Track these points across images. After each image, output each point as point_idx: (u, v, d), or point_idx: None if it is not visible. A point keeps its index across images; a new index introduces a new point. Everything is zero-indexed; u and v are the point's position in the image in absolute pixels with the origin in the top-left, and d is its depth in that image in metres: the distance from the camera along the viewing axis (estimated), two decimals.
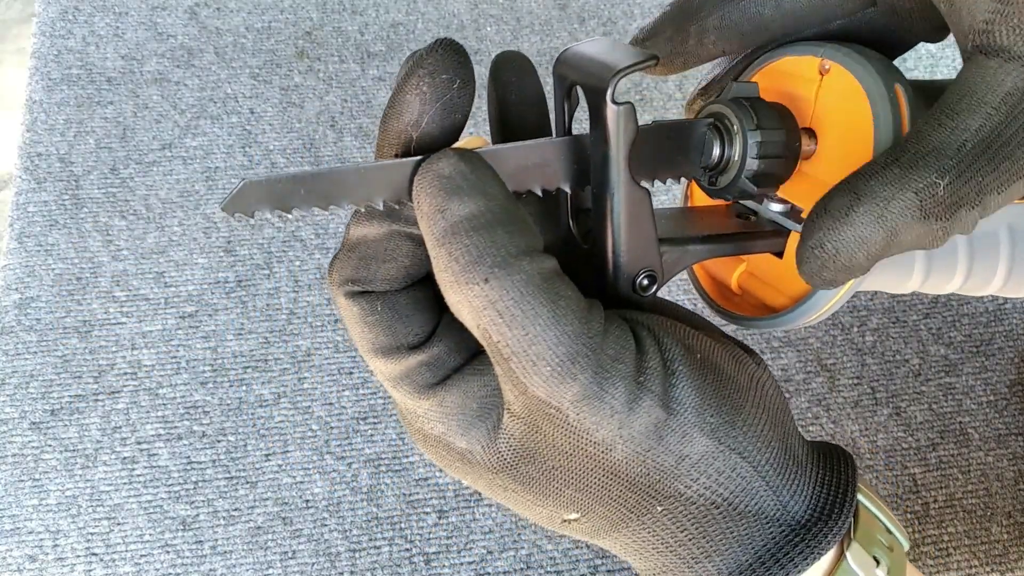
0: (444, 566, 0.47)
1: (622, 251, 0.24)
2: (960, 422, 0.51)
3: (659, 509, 0.22)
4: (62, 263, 0.53)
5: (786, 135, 0.27)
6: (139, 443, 0.49)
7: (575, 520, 0.23)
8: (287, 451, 0.49)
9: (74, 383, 0.50)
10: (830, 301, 0.27)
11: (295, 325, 0.52)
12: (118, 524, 0.47)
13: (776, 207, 0.29)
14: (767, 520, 0.22)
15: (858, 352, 0.53)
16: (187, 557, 0.47)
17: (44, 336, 0.51)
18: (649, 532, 0.22)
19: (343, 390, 0.51)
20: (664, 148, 0.27)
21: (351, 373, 0.51)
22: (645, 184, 0.26)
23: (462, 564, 0.47)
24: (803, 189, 0.28)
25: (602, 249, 0.25)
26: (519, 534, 0.48)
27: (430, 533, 0.48)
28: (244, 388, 0.51)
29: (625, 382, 0.20)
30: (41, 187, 0.55)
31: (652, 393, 0.21)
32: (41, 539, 0.47)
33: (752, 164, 0.26)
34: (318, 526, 0.48)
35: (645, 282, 0.25)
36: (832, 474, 0.23)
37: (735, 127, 0.27)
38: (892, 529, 0.23)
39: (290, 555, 0.47)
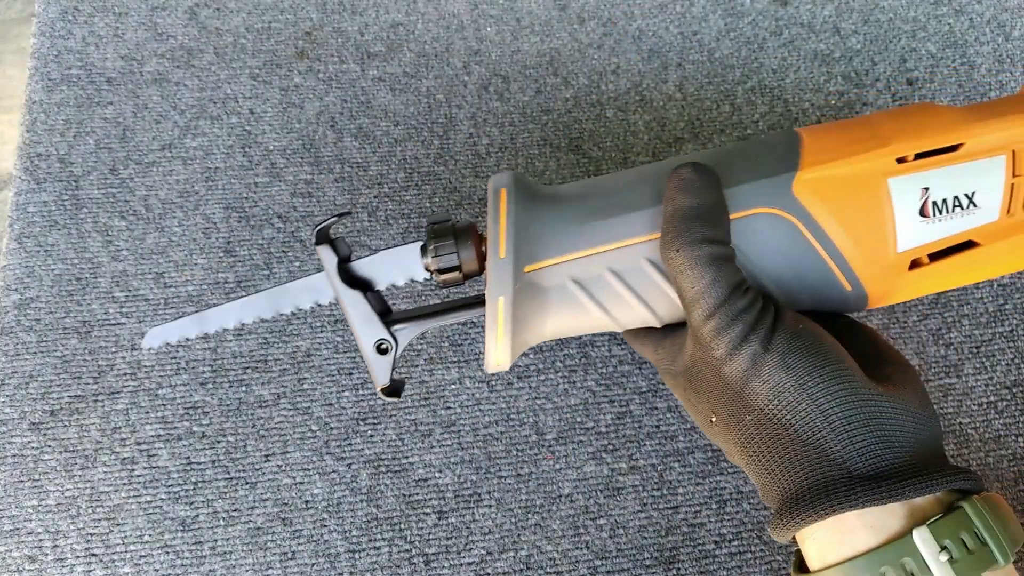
0: (444, 567, 0.47)
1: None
2: (960, 423, 0.51)
3: (748, 418, 0.30)
4: (62, 263, 0.53)
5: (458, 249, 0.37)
6: (139, 444, 0.49)
7: (714, 422, 0.32)
8: (287, 452, 0.49)
9: (74, 384, 0.50)
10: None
11: (295, 326, 0.52)
12: (118, 525, 0.47)
13: None
14: (827, 458, 0.28)
15: None
16: (187, 558, 0.47)
17: (44, 336, 0.51)
18: (745, 437, 0.30)
19: (343, 391, 0.51)
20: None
21: (351, 374, 0.51)
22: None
23: (462, 565, 0.47)
24: None
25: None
26: (519, 535, 0.48)
27: (430, 534, 0.48)
28: (244, 389, 0.51)
29: (743, 326, 0.30)
30: (41, 187, 0.55)
31: (758, 336, 0.30)
32: (41, 540, 0.47)
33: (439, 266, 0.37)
34: (318, 527, 0.48)
35: (384, 347, 0.37)
36: (926, 467, 0.28)
37: (430, 246, 0.37)
38: (989, 542, 0.26)
39: (290, 556, 0.47)
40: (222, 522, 0.48)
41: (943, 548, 0.26)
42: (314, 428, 0.50)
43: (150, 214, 0.55)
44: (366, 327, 0.37)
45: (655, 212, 0.34)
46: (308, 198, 0.56)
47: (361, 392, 0.51)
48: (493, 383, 0.51)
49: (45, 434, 0.49)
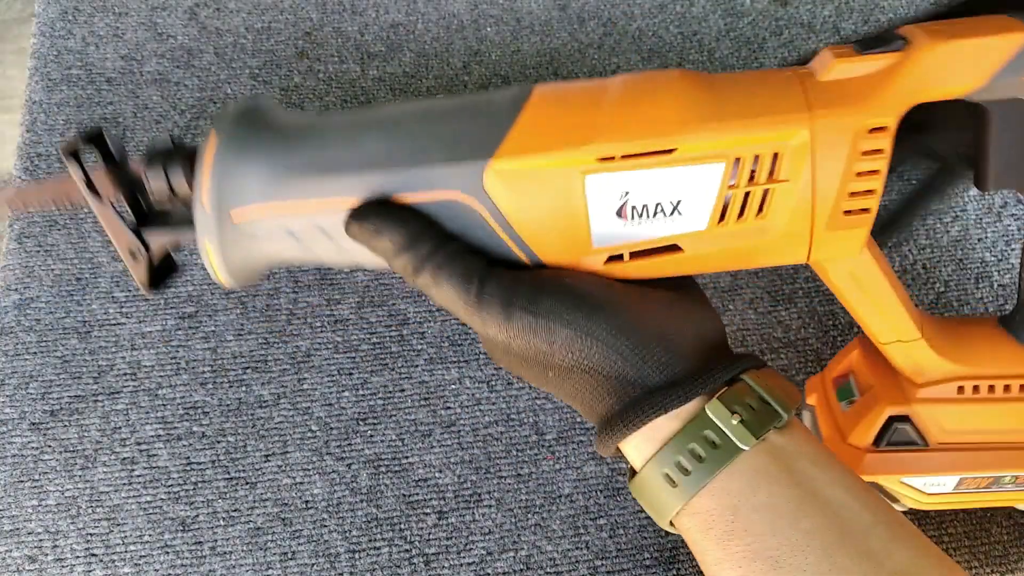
0: (444, 567, 0.47)
1: None
2: None
3: (551, 374, 0.32)
4: (62, 263, 0.53)
5: None
6: (139, 444, 0.49)
7: (527, 381, 0.34)
8: (287, 452, 0.49)
9: (74, 384, 0.50)
10: None
11: (295, 326, 0.52)
12: (117, 525, 0.47)
13: None
14: (628, 383, 0.31)
15: None
16: (186, 558, 0.47)
17: (44, 336, 0.51)
18: (556, 387, 0.32)
19: (343, 391, 0.51)
20: None
21: (351, 374, 0.51)
22: None
23: (462, 565, 0.47)
24: None
25: None
26: (519, 535, 0.48)
27: (430, 534, 0.48)
28: (244, 389, 0.51)
29: (499, 305, 0.31)
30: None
31: (520, 307, 0.31)
32: (41, 540, 0.47)
33: None
34: (318, 527, 0.48)
35: (135, 252, 0.36)
36: (712, 361, 0.31)
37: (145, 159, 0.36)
38: (771, 401, 0.30)
39: (290, 556, 0.47)
40: (222, 522, 0.48)
41: (733, 412, 0.30)
42: (314, 428, 0.50)
43: None
44: (118, 233, 0.35)
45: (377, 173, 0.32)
46: None
47: (361, 392, 0.51)
48: (493, 383, 0.51)
49: (45, 434, 0.49)
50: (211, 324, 0.52)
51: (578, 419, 0.50)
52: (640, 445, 0.31)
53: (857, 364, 0.42)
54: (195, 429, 0.50)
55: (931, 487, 0.40)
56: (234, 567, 0.47)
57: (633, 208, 0.31)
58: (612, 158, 0.30)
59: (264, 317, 0.52)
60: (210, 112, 0.58)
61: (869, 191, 0.31)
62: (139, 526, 0.47)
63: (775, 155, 0.30)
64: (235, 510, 0.48)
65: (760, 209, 0.31)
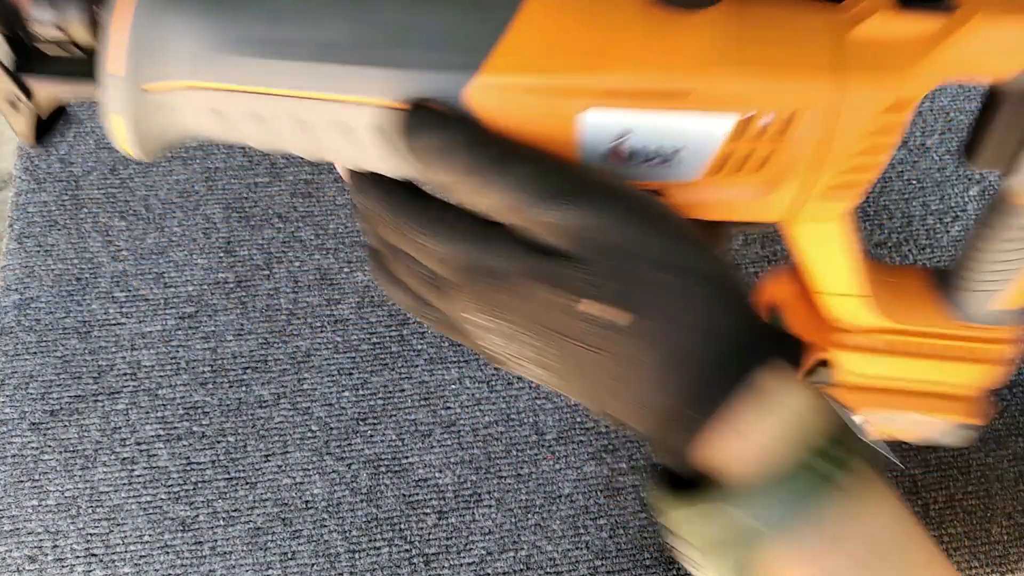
0: (444, 567, 0.47)
1: None
2: None
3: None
4: (62, 263, 0.53)
5: None
6: (139, 444, 0.49)
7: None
8: (287, 452, 0.49)
9: (74, 384, 0.50)
10: None
11: (295, 326, 0.52)
12: (118, 525, 0.47)
13: None
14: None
15: None
16: (187, 558, 0.47)
17: (44, 336, 0.51)
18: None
19: (343, 391, 0.51)
20: None
21: (351, 374, 0.51)
22: None
23: (461, 565, 0.47)
24: None
25: None
26: (519, 535, 0.48)
27: (430, 534, 0.48)
28: (244, 389, 0.51)
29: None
30: (41, 187, 0.55)
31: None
32: (41, 540, 0.47)
33: None
34: (318, 527, 0.48)
35: (13, 101, 0.29)
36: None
37: None
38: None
39: (290, 556, 0.47)
40: (222, 522, 0.48)
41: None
42: (314, 428, 0.50)
43: (150, 214, 0.55)
44: None
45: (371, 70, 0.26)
46: (308, 198, 0.56)
47: (361, 392, 0.51)
48: (493, 383, 0.51)
49: (45, 434, 0.49)
50: (211, 324, 0.52)
51: (578, 419, 0.50)
52: (740, 426, 0.24)
53: (786, 300, 0.41)
54: (195, 429, 0.50)
55: None
56: (234, 567, 0.47)
57: (629, 150, 0.28)
58: (619, 93, 0.27)
59: (264, 317, 0.52)
60: None
61: (877, 162, 0.29)
62: (139, 526, 0.47)
63: (792, 113, 0.27)
64: (235, 510, 0.48)
65: (760, 167, 0.28)
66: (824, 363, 0.40)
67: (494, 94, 0.26)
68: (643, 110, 0.27)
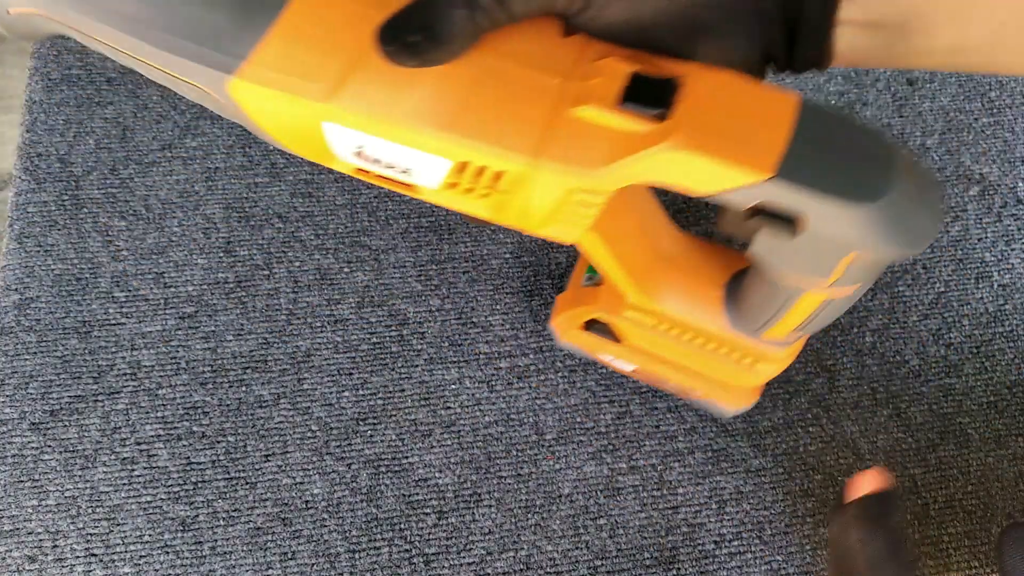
0: (444, 567, 0.47)
1: None
2: (960, 423, 0.51)
3: None
4: (62, 263, 0.53)
5: None
6: (139, 444, 0.49)
7: None
8: (287, 452, 0.49)
9: (74, 384, 0.50)
10: None
11: (295, 326, 0.52)
12: (117, 525, 0.47)
13: None
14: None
15: (858, 353, 0.53)
16: (186, 558, 0.47)
17: (44, 336, 0.51)
18: None
19: (343, 391, 0.51)
20: None
21: (351, 374, 0.51)
22: None
23: (461, 565, 0.47)
24: None
25: None
26: (519, 535, 0.48)
27: (430, 534, 0.48)
28: (244, 389, 0.51)
29: None
30: (41, 187, 0.55)
31: None
32: (40, 540, 0.47)
33: None
34: (318, 527, 0.48)
35: None
36: None
37: None
38: None
39: (290, 556, 0.47)
40: (222, 522, 0.48)
41: None
42: (314, 428, 0.50)
43: (150, 214, 0.55)
44: None
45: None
46: (308, 198, 0.56)
47: (361, 392, 0.51)
48: (493, 383, 0.51)
49: (45, 434, 0.49)
50: (211, 324, 0.52)
51: (578, 419, 0.50)
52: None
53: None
54: (195, 429, 0.50)
55: (618, 364, 0.49)
56: (234, 567, 0.47)
57: (372, 155, 0.31)
58: (347, 121, 0.29)
59: (264, 317, 0.52)
60: (210, 112, 0.58)
61: (586, 213, 0.31)
62: (139, 526, 0.47)
63: (498, 173, 0.30)
64: (235, 510, 0.48)
65: (485, 197, 0.31)
66: (603, 324, 0.46)
67: (249, 95, 0.29)
68: (369, 135, 0.30)
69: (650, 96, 0.29)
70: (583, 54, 0.30)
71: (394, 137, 0.30)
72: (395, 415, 0.50)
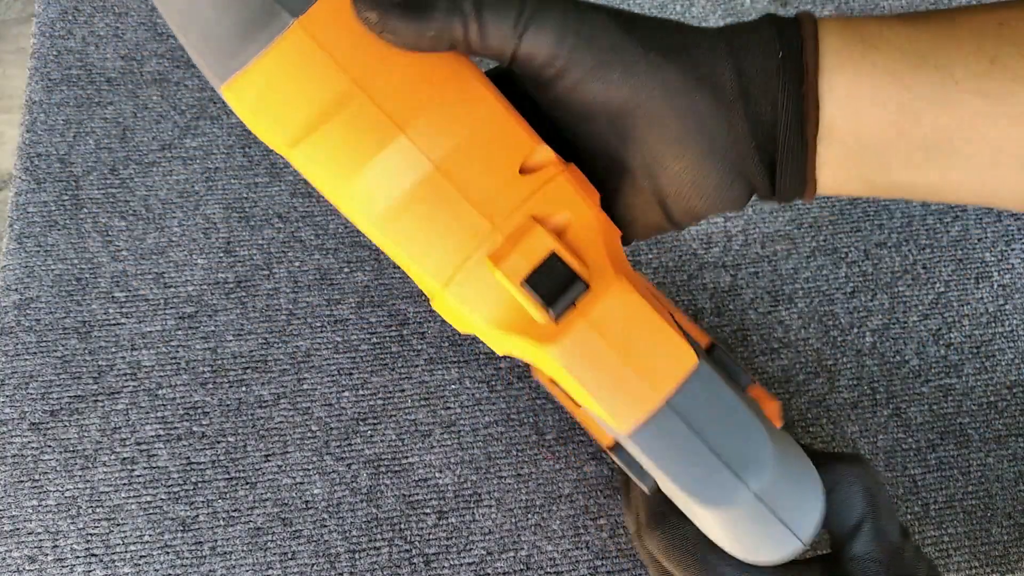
0: (444, 567, 0.47)
1: None
2: (960, 423, 0.51)
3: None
4: (62, 264, 0.53)
5: None
6: (139, 444, 0.49)
7: None
8: (287, 452, 0.49)
9: (74, 384, 0.50)
10: None
11: (295, 326, 0.52)
12: (118, 525, 0.47)
13: None
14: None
15: (858, 353, 0.53)
16: (187, 558, 0.47)
17: (43, 337, 0.51)
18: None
19: (343, 391, 0.51)
20: None
21: (351, 374, 0.51)
22: None
23: (462, 565, 0.47)
24: None
25: None
26: (519, 535, 0.48)
27: (430, 534, 0.48)
28: (244, 389, 0.51)
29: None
30: (41, 188, 0.55)
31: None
32: (40, 540, 0.47)
33: None
34: (318, 527, 0.48)
35: None
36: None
37: None
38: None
39: (290, 556, 0.47)
40: (222, 522, 0.48)
41: None
42: (314, 428, 0.50)
43: (150, 214, 0.55)
44: None
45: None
46: (308, 198, 0.56)
47: (361, 392, 0.51)
48: (493, 383, 0.51)
49: (45, 434, 0.49)
50: (211, 324, 0.52)
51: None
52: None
53: None
54: (195, 429, 0.50)
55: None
56: (234, 567, 0.47)
57: None
58: (305, 168, 0.31)
59: (264, 317, 0.52)
60: (210, 112, 0.58)
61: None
62: (139, 526, 0.47)
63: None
64: (235, 510, 0.48)
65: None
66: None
67: (237, 106, 0.30)
68: (324, 195, 0.32)
69: (555, 287, 0.28)
70: (532, 197, 0.29)
71: (342, 208, 0.31)
72: (395, 415, 0.50)
